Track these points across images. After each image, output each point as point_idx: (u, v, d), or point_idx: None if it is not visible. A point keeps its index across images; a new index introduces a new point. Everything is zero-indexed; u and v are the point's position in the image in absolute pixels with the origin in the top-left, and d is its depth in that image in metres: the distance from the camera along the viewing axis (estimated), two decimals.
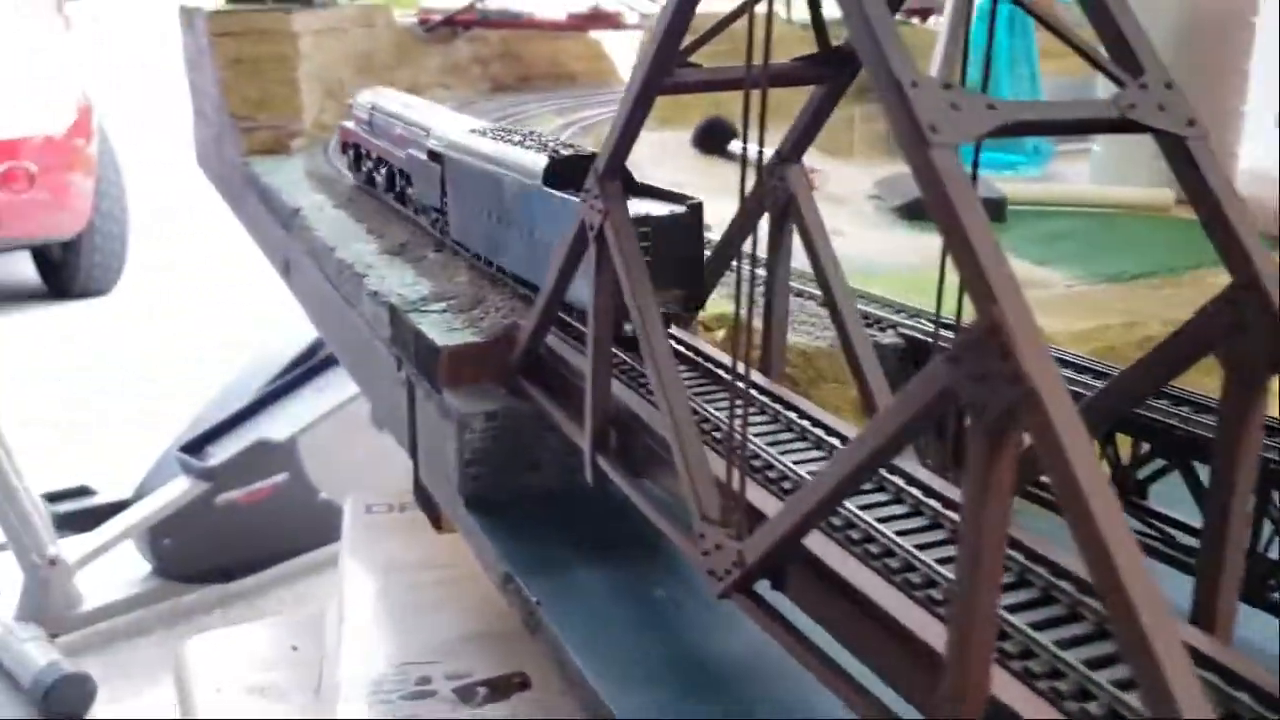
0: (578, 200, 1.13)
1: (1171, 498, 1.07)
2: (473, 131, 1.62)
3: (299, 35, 2.65)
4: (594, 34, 3.70)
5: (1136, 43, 0.72)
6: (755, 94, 0.78)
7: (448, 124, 1.73)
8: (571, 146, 1.41)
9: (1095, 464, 0.57)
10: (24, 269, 6.96)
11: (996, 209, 2.07)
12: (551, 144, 1.43)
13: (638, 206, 1.23)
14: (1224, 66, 2.30)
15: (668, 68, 0.91)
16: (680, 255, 1.23)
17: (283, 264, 2.13)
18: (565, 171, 1.31)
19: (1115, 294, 1.72)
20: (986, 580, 0.62)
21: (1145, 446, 1.10)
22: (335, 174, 2.25)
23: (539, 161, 1.35)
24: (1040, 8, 0.73)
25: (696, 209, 1.23)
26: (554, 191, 1.29)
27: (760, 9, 0.80)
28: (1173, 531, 1.08)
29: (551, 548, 1.14)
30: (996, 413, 0.58)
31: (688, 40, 0.92)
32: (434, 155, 1.67)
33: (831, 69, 1.00)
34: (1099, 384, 1.15)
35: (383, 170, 1.96)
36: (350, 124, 2.10)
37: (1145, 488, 1.13)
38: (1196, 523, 0.96)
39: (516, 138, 1.51)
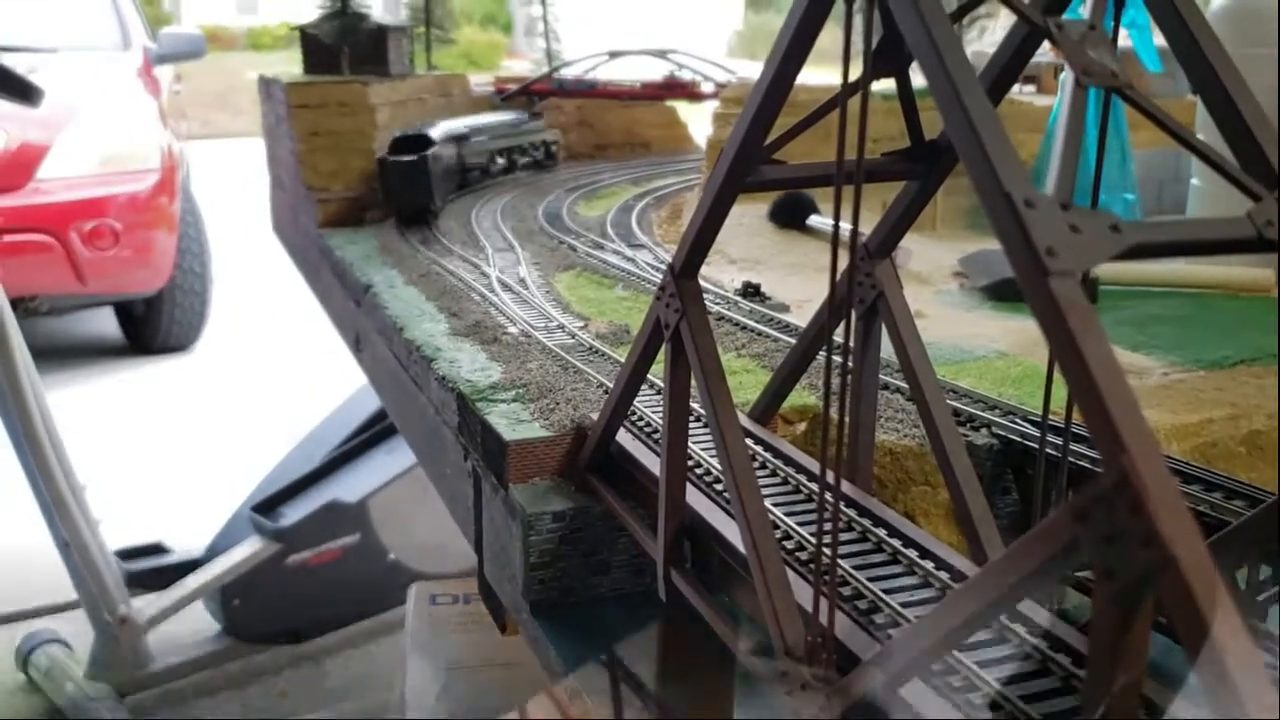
0: (406, 158, 2.45)
1: None
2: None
3: (376, 107, 2.66)
4: (669, 102, 3.68)
5: (1274, 151, 0.65)
6: (846, 189, 0.73)
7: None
8: (412, 129, 2.59)
9: (1246, 640, 0.50)
10: (107, 324, 7.10)
11: (1089, 290, 1.98)
12: (410, 131, 2.58)
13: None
14: None
15: (751, 166, 0.86)
16: (418, 183, 2.42)
17: (354, 339, 2.11)
18: (404, 143, 2.50)
19: (1216, 383, 1.62)
20: None
21: (1266, 569, 1.02)
22: (410, 249, 2.23)
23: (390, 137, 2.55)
24: (1163, 113, 0.67)
25: (425, 158, 2.42)
26: (392, 156, 2.47)
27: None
28: None
29: (622, 660, 1.08)
30: (1128, 580, 0.52)
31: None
32: None
33: (925, 164, 0.94)
34: (1209, 496, 1.07)
35: None
36: None
37: (1265, 611, 1.04)
38: None
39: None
